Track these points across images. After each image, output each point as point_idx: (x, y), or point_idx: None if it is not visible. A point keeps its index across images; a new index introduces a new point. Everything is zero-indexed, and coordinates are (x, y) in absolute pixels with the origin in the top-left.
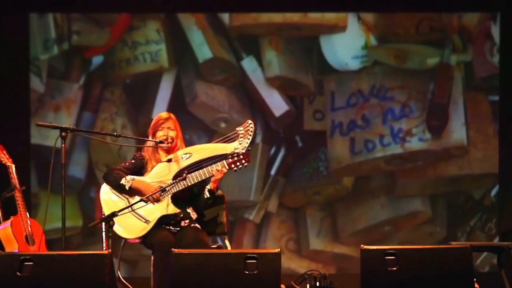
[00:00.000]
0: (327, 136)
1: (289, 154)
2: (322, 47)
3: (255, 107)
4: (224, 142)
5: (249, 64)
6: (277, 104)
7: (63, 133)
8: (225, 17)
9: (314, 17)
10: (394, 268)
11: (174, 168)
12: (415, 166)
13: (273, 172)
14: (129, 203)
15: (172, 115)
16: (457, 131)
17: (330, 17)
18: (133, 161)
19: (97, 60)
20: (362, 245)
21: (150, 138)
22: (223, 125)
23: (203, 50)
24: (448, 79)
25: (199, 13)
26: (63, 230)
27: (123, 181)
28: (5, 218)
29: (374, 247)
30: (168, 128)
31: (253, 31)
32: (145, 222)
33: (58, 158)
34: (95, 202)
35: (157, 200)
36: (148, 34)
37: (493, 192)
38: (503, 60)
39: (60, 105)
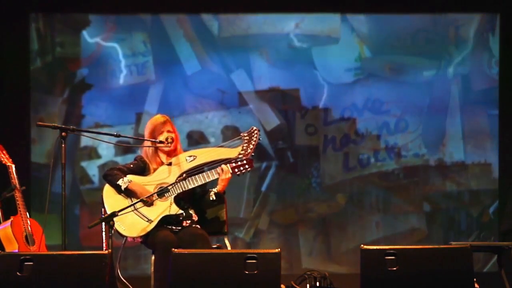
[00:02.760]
0: (320, 151)
1: (280, 169)
2: (314, 59)
3: (245, 121)
4: (229, 147)
5: (239, 76)
6: (268, 118)
7: (63, 133)
8: (214, 28)
9: (306, 28)
10: (394, 268)
11: (177, 170)
12: (411, 182)
13: (263, 188)
14: (132, 202)
15: (168, 118)
16: (455, 146)
17: (322, 28)
18: (135, 161)
19: (82, 72)
20: (362, 245)
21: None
22: (212, 139)
23: (191, 62)
24: (445, 92)
25: (187, 23)
26: (63, 230)
27: (119, 182)
28: (5, 218)
29: (374, 247)
30: (168, 131)
31: (243, 43)
32: (147, 221)
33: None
34: (80, 219)
35: (151, 204)
36: (134, 45)
37: (492, 209)
38: (502, 71)
39: (43, 120)
